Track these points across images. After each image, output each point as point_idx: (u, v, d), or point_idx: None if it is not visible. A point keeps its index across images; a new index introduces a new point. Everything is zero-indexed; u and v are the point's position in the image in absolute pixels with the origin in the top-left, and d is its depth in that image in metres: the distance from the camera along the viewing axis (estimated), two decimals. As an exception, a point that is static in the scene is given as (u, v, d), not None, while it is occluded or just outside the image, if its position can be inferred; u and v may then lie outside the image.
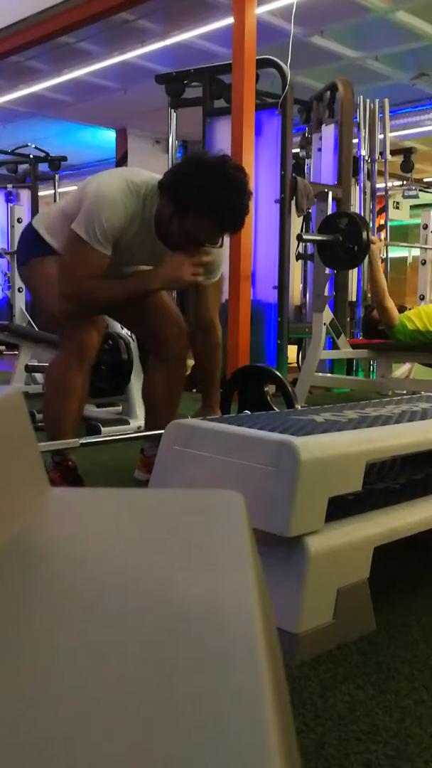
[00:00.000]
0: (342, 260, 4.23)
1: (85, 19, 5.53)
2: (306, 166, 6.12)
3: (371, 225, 6.08)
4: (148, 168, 2.29)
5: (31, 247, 2.32)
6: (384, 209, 6.34)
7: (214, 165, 2.00)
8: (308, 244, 5.72)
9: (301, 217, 5.48)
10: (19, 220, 8.40)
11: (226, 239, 2.16)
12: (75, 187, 2.31)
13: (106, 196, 2.04)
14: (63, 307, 2.11)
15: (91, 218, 2.03)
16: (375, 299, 4.50)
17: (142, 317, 2.44)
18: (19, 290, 6.12)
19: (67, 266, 2.12)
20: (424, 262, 5.64)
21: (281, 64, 4.93)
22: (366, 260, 4.66)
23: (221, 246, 2.17)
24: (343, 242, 4.13)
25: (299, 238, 4.43)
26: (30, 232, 2.33)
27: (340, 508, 1.40)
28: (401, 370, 5.04)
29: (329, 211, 5.08)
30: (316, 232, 4.33)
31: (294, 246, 5.27)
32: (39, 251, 2.27)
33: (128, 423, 3.35)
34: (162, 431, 1.59)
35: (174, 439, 1.51)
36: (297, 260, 5.52)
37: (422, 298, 5.58)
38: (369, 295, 5.42)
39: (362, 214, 5.98)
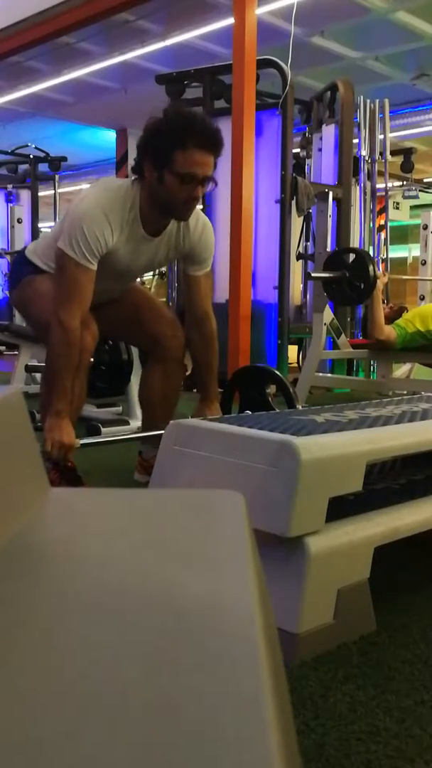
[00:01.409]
0: (348, 297, 4.21)
1: (85, 19, 5.52)
2: (306, 166, 6.11)
3: (371, 225, 6.08)
4: None
5: (21, 269, 2.38)
6: (384, 209, 6.33)
7: (171, 109, 2.15)
8: (309, 243, 5.73)
9: (302, 217, 5.48)
10: (19, 221, 8.37)
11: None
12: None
13: (85, 207, 2.09)
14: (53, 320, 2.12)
15: (74, 232, 2.07)
16: (369, 331, 4.37)
17: (135, 321, 2.44)
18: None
19: (57, 284, 2.15)
20: (424, 262, 5.64)
21: (281, 64, 4.93)
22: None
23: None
24: (349, 279, 4.09)
25: (308, 276, 4.38)
26: (20, 258, 2.41)
27: (341, 508, 1.40)
28: (401, 370, 5.03)
29: (330, 212, 5.07)
30: (322, 269, 4.26)
31: (294, 246, 5.26)
32: (29, 272, 2.33)
33: (128, 423, 3.34)
34: (161, 431, 1.59)
35: (174, 439, 1.51)
36: (297, 260, 5.51)
37: (422, 298, 5.58)
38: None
39: (362, 215, 5.98)
